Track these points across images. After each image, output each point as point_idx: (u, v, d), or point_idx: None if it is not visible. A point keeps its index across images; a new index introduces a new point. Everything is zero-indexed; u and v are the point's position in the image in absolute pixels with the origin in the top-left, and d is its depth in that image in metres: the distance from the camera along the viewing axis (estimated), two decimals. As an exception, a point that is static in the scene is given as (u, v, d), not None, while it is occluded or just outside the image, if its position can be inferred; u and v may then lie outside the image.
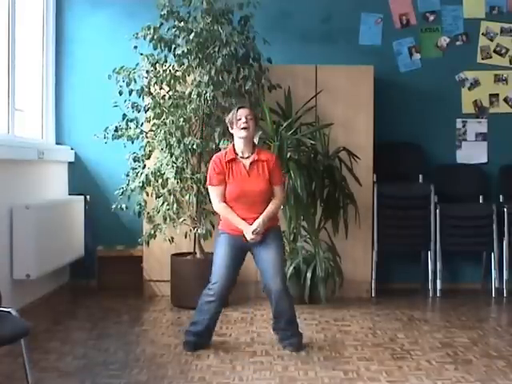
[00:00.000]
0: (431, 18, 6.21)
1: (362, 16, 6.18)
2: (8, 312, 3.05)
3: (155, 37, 5.14)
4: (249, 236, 4.11)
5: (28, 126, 5.63)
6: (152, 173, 5.20)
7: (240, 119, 4.14)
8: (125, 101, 5.23)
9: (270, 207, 4.18)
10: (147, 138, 5.35)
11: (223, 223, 4.26)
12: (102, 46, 6.06)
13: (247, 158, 4.20)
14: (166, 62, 5.25)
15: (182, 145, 5.10)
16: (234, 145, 4.23)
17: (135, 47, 5.18)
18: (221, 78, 5.12)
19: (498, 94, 6.22)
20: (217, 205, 4.21)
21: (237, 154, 4.20)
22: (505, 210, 5.84)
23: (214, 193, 4.20)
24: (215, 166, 4.19)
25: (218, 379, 3.64)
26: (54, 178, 5.79)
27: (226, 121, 4.29)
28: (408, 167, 6.16)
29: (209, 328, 4.22)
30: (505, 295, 5.88)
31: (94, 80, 5.89)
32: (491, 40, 6.20)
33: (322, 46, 6.12)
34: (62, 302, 5.57)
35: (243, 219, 4.13)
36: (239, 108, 4.21)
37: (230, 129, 4.25)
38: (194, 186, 5.21)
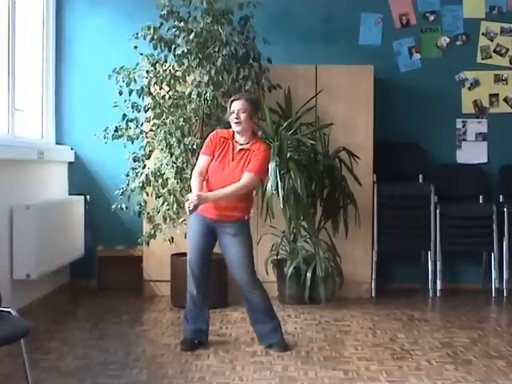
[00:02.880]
0: (431, 18, 6.21)
1: (362, 16, 6.17)
2: (8, 312, 3.05)
3: (155, 37, 5.14)
4: (189, 201, 4.01)
5: (28, 125, 5.63)
6: (152, 173, 5.20)
7: (233, 112, 4.12)
8: (125, 101, 5.23)
9: (225, 188, 4.04)
10: (147, 137, 5.35)
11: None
12: (101, 46, 6.06)
13: (241, 144, 4.19)
14: (165, 62, 5.25)
15: (181, 145, 5.10)
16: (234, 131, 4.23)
17: (135, 47, 5.18)
18: (221, 78, 5.11)
19: (497, 94, 6.22)
20: (193, 172, 4.21)
21: (233, 138, 4.20)
22: (505, 209, 5.84)
23: (198, 161, 4.23)
24: (212, 137, 4.22)
25: (218, 379, 3.65)
26: (54, 178, 5.79)
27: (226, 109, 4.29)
28: (408, 167, 6.16)
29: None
30: (505, 295, 5.88)
31: (94, 80, 5.89)
32: (491, 40, 6.20)
33: (322, 45, 6.12)
34: (62, 301, 5.57)
35: (205, 206, 4.10)
36: (233, 100, 4.17)
37: (227, 117, 4.26)
38: (194, 186, 5.21)
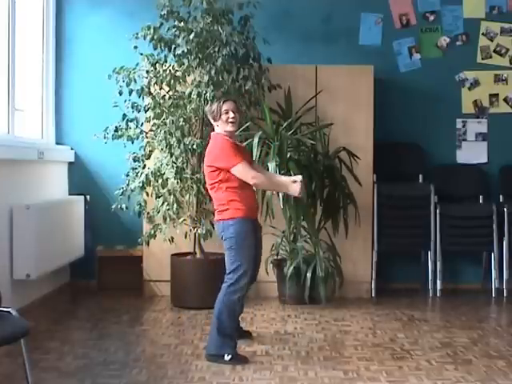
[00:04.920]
0: (431, 18, 6.21)
1: (361, 16, 6.17)
2: (8, 312, 3.05)
3: (155, 37, 5.14)
4: (297, 191, 4.06)
5: (28, 126, 5.63)
6: (152, 173, 5.20)
7: (227, 113, 4.05)
8: (125, 101, 5.23)
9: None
10: (147, 137, 5.35)
11: (243, 209, 4.01)
12: (101, 46, 6.05)
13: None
14: (165, 62, 5.25)
15: (181, 145, 5.10)
16: (224, 135, 4.09)
17: (135, 47, 5.18)
18: (221, 78, 5.12)
19: (497, 94, 6.22)
20: (253, 176, 3.99)
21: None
22: (505, 209, 5.84)
23: (246, 167, 3.99)
24: (231, 145, 4.04)
25: (218, 379, 3.65)
26: (54, 178, 5.79)
27: (208, 111, 4.15)
28: (408, 167, 6.16)
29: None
30: (505, 295, 5.89)
31: (94, 80, 5.89)
32: (491, 40, 6.20)
33: (322, 45, 6.12)
34: (62, 301, 5.57)
35: (251, 207, 4.08)
36: (225, 101, 4.09)
37: (212, 121, 4.12)
38: (194, 186, 5.21)
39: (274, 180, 4.25)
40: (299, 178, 4.12)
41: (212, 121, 4.14)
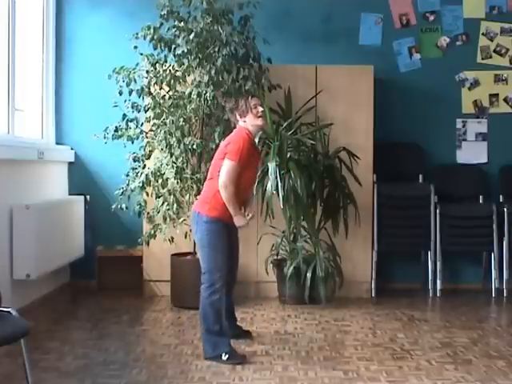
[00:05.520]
0: (431, 18, 6.21)
1: (362, 16, 6.17)
2: (8, 312, 3.06)
3: (155, 37, 5.14)
4: (242, 223, 4.03)
5: (28, 126, 5.63)
6: (152, 173, 5.20)
7: (256, 107, 4.08)
8: (125, 101, 5.23)
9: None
10: (147, 137, 5.35)
11: (221, 210, 3.99)
12: (101, 46, 6.05)
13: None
14: (165, 62, 5.25)
15: (181, 145, 5.10)
16: (248, 132, 4.08)
17: (135, 47, 5.18)
18: (221, 78, 5.11)
19: (497, 94, 6.22)
20: (229, 184, 3.92)
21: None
22: (505, 209, 5.84)
23: (234, 172, 3.94)
24: (249, 145, 4.03)
25: (218, 379, 3.65)
26: (54, 178, 5.79)
27: (234, 108, 4.14)
28: (408, 167, 6.16)
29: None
30: (505, 295, 5.89)
31: (94, 80, 5.89)
32: (491, 40, 6.20)
33: (322, 45, 6.12)
34: (62, 301, 5.57)
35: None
36: (252, 96, 4.16)
37: (239, 117, 4.11)
38: (194, 186, 5.21)
39: (234, 208, 4.00)
40: (250, 216, 4.11)
41: (238, 117, 4.13)
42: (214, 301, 3.98)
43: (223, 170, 3.96)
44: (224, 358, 3.91)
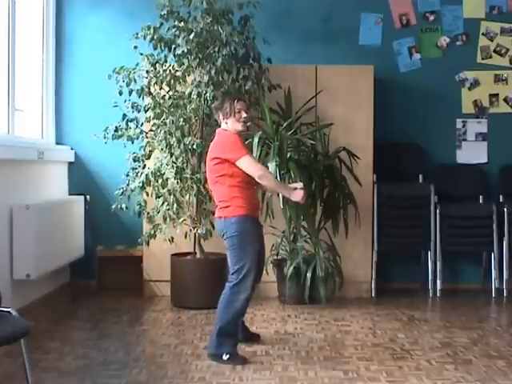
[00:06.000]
0: (431, 18, 6.21)
1: (362, 16, 6.17)
2: (8, 312, 3.05)
3: (155, 37, 5.14)
4: (299, 197, 4.06)
5: (28, 125, 5.63)
6: (152, 173, 5.20)
7: (240, 112, 4.06)
8: (125, 101, 5.23)
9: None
10: (147, 137, 5.35)
11: (245, 207, 3.98)
12: (101, 46, 6.05)
13: None
14: (165, 62, 5.25)
15: (181, 145, 5.10)
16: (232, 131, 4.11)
17: (135, 47, 5.18)
18: (221, 78, 5.12)
19: (497, 94, 6.22)
20: (261, 168, 4.05)
21: None
22: (505, 209, 5.84)
23: (251, 160, 4.03)
24: (240, 140, 4.06)
25: (218, 379, 3.65)
26: (54, 178, 5.79)
27: (219, 108, 4.12)
28: (408, 167, 6.16)
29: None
30: (505, 295, 5.88)
31: (94, 80, 5.89)
32: (491, 40, 6.20)
33: (322, 46, 6.12)
34: (62, 301, 5.57)
35: (253, 205, 4.08)
36: (238, 100, 4.11)
37: (222, 118, 4.10)
38: (194, 186, 5.21)
39: (279, 184, 4.19)
40: (301, 185, 4.13)
41: (221, 117, 4.12)
42: (238, 301, 3.95)
43: (246, 169, 3.98)
44: (225, 357, 3.91)
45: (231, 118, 4.06)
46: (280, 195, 5.06)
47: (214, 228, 5.14)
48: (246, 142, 4.90)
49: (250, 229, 4.00)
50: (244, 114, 4.07)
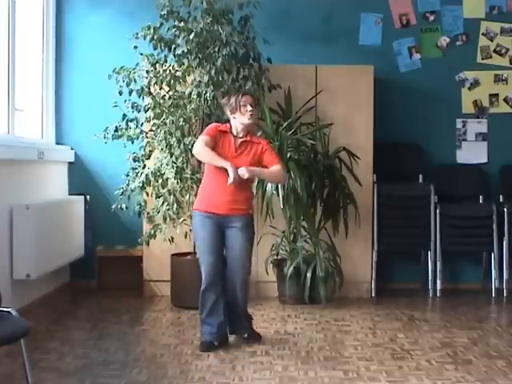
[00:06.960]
0: (431, 18, 6.21)
1: (362, 16, 6.17)
2: (8, 312, 3.05)
3: (155, 37, 5.14)
4: (233, 174, 4.01)
5: (28, 125, 5.63)
6: (152, 173, 5.20)
7: (245, 106, 4.14)
8: (125, 101, 5.23)
9: (273, 168, 4.19)
10: (147, 137, 5.35)
11: (199, 200, 4.27)
12: (101, 46, 6.05)
13: (240, 137, 4.23)
14: (165, 62, 5.25)
15: (181, 145, 5.10)
16: (230, 125, 4.24)
17: (135, 47, 5.18)
18: (221, 78, 5.12)
19: (497, 94, 6.22)
20: (199, 145, 4.14)
21: (231, 132, 4.23)
22: (505, 209, 5.84)
23: (204, 140, 4.13)
24: (212, 128, 4.22)
25: (218, 379, 3.65)
26: (54, 178, 5.79)
27: (226, 104, 4.24)
28: (408, 167, 6.16)
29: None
30: (505, 295, 5.88)
31: (94, 80, 5.89)
32: (491, 40, 6.20)
33: (322, 45, 6.12)
34: (62, 301, 5.57)
35: (213, 203, 4.15)
36: (243, 94, 4.21)
37: (229, 113, 4.22)
38: (194, 186, 5.21)
39: (213, 157, 4.10)
40: (242, 169, 4.07)
41: (229, 113, 4.23)
42: (201, 292, 4.24)
43: (193, 150, 4.26)
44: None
45: (237, 112, 4.16)
46: (280, 195, 5.07)
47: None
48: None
49: (198, 223, 4.20)
50: (249, 108, 4.14)
